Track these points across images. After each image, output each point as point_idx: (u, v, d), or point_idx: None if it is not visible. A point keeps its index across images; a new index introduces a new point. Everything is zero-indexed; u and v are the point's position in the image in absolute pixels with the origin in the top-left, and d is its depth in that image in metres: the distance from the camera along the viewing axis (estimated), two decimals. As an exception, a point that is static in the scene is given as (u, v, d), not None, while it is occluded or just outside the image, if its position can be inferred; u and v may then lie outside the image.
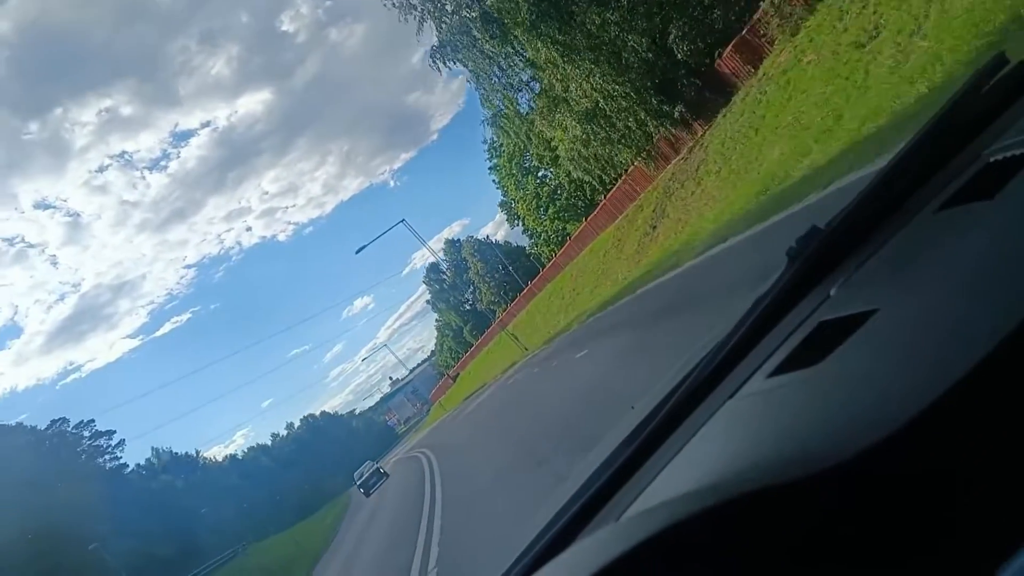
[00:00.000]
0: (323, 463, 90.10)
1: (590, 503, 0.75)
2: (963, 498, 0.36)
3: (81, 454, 44.46)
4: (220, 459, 74.73)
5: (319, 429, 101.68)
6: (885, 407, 0.41)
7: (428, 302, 69.26)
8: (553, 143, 22.22)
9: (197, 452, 65.02)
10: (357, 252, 27.12)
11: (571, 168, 20.41)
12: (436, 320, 70.85)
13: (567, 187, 33.28)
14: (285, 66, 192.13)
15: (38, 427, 43.49)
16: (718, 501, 0.38)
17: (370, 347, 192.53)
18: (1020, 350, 0.38)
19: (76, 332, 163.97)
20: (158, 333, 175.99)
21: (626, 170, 21.39)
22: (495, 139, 36.55)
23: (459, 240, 63.89)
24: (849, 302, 0.62)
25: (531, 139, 26.96)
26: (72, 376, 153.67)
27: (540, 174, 37.65)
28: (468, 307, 65.80)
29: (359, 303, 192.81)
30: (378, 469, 32.81)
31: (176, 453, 60.88)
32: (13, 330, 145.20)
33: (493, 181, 41.93)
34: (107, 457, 47.97)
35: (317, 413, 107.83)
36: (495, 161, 40.56)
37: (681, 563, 0.36)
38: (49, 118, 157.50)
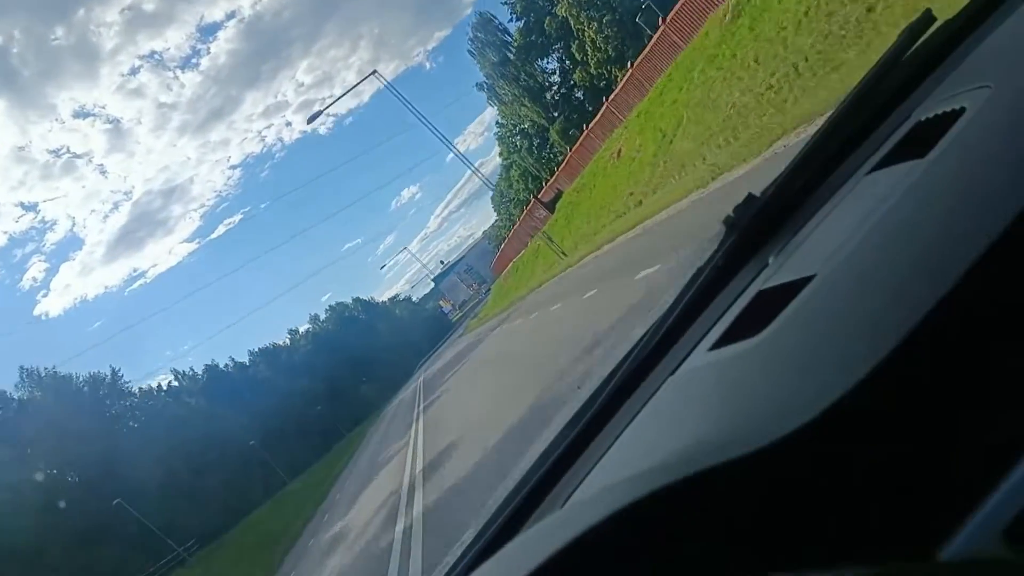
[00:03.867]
0: (352, 368, 66.49)
1: (535, 491, 0.74)
2: (911, 471, 0.35)
3: None
4: (180, 380, 49.83)
5: (351, 321, 77.46)
6: (824, 378, 0.41)
7: (479, 86, 37.87)
8: None
9: (115, 372, 41.31)
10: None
11: None
12: (497, 125, 39.91)
13: None
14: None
15: None
16: (657, 486, 0.36)
17: (421, 236, 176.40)
18: (956, 311, 0.37)
19: (135, 239, 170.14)
20: (213, 235, 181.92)
21: None
22: None
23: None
24: (786, 270, 0.62)
25: None
26: (139, 282, 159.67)
27: None
28: (557, 91, 35.46)
29: (406, 193, 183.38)
30: None
31: (76, 378, 38.86)
32: (75, 241, 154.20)
33: None
34: None
35: (349, 301, 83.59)
36: None
37: (625, 550, 0.35)
38: (73, 21, 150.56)
